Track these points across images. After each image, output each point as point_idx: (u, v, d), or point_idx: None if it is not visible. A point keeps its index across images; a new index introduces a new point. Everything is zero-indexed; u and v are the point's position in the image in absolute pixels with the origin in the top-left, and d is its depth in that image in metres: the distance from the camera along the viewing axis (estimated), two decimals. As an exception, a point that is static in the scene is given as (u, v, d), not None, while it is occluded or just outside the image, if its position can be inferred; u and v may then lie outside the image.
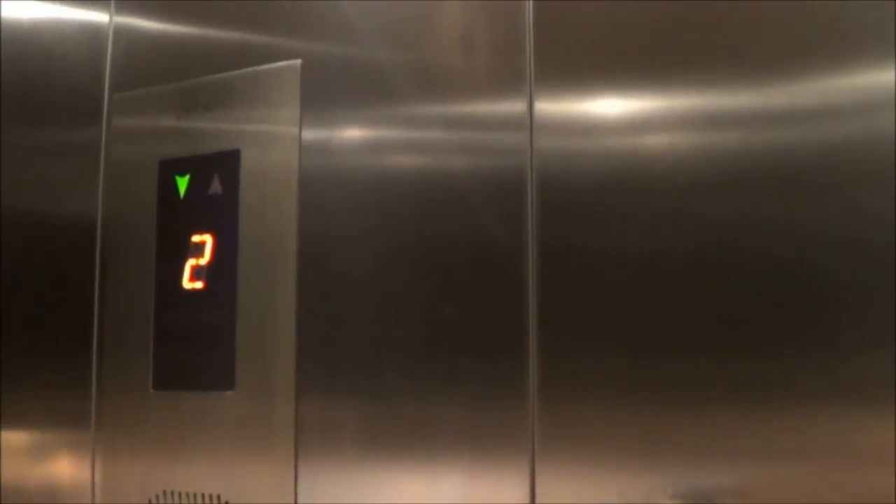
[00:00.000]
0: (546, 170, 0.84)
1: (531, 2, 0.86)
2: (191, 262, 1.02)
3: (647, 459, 0.78)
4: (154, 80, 1.08)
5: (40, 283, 1.14)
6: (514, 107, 0.86)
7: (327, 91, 0.96)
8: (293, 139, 0.97)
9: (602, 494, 0.79)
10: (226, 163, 1.01)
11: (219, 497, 0.97)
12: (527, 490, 0.82)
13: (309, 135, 0.97)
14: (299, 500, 0.92)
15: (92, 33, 1.14)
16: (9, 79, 1.20)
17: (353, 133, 0.95)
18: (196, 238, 1.02)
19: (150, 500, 1.01)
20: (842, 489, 0.71)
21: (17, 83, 1.19)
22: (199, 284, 1.01)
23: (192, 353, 1.01)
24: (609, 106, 0.83)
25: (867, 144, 0.72)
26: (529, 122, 0.85)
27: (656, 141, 0.80)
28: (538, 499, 0.82)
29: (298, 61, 0.98)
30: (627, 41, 0.82)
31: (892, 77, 0.71)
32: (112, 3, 1.13)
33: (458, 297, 0.87)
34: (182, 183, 1.04)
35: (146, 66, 1.09)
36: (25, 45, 1.19)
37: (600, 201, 0.81)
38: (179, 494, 0.99)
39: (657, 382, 0.78)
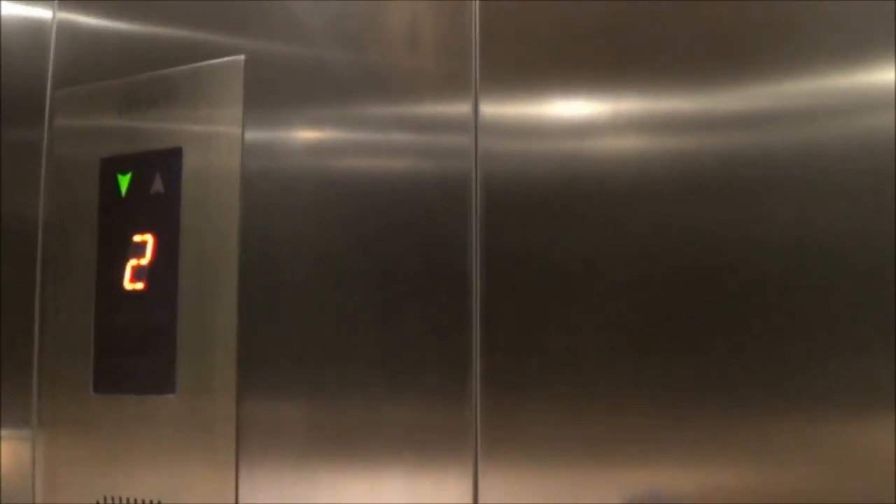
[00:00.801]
0: (491, 172, 0.83)
1: (477, 2, 0.85)
2: (132, 263, 1.01)
3: (593, 462, 0.77)
4: (97, 76, 1.06)
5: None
6: (459, 108, 0.85)
7: (271, 89, 0.95)
8: (236, 137, 0.96)
9: (547, 497, 0.78)
10: (168, 161, 0.99)
11: (160, 503, 0.95)
12: (470, 492, 0.81)
13: (252, 133, 0.95)
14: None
15: (35, 29, 1.12)
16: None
17: (296, 132, 0.94)
18: (137, 238, 1.01)
19: (91, 506, 0.99)
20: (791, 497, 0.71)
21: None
22: (139, 285, 1.00)
23: (132, 356, 0.99)
24: (556, 108, 0.82)
25: (818, 149, 0.71)
26: (474, 123, 0.84)
27: (604, 144, 0.79)
28: (481, 501, 0.81)
29: (241, 57, 0.97)
30: (575, 43, 0.82)
31: (846, 82, 0.71)
32: (55, -1, 1.11)
33: (402, 299, 0.86)
34: (124, 181, 1.03)
35: (89, 63, 1.07)
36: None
37: (546, 204, 0.81)
38: (121, 500, 0.98)
39: (604, 384, 0.77)
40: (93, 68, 1.07)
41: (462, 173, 0.84)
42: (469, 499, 0.81)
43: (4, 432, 1.08)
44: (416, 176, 0.87)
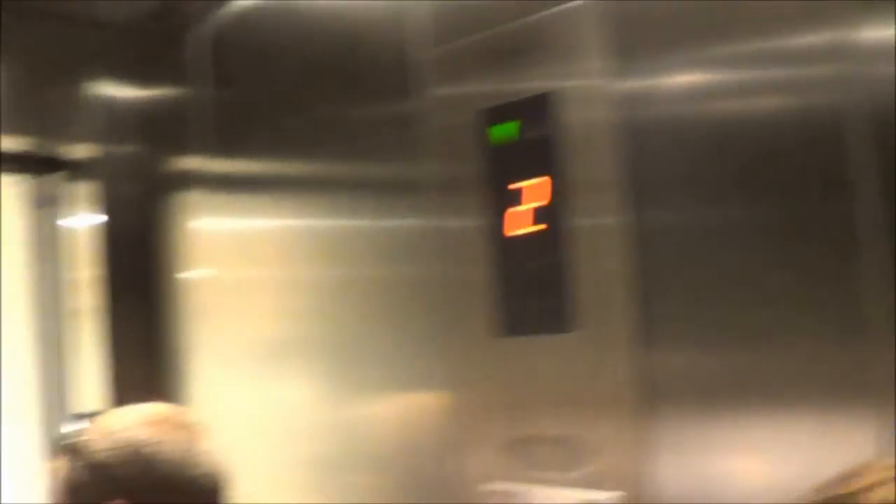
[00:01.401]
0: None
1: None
2: (519, 208, 1.04)
3: None
4: (468, 31, 1.09)
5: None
6: (839, 37, 0.80)
7: (639, 33, 0.94)
8: (609, 79, 0.96)
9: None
10: (546, 106, 1.01)
11: (574, 441, 0.99)
12: (874, 430, 0.79)
13: (624, 74, 0.95)
14: (648, 446, 0.94)
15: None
16: (340, 55, 1.26)
17: (669, 73, 0.93)
18: (522, 183, 1.03)
19: (510, 446, 1.05)
20: None
21: (344, 56, 1.26)
22: (526, 230, 1.03)
23: (531, 298, 1.03)
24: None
25: None
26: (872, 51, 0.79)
27: None
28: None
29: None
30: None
31: None
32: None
33: (800, 242, 0.84)
34: (504, 130, 1.06)
35: (459, 20, 1.10)
36: (347, 25, 1.25)
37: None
38: (538, 439, 1.02)
39: None
40: (464, 24, 1.10)
41: (851, 106, 0.80)
42: (872, 435, 0.79)
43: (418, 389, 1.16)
44: (804, 112, 0.84)
